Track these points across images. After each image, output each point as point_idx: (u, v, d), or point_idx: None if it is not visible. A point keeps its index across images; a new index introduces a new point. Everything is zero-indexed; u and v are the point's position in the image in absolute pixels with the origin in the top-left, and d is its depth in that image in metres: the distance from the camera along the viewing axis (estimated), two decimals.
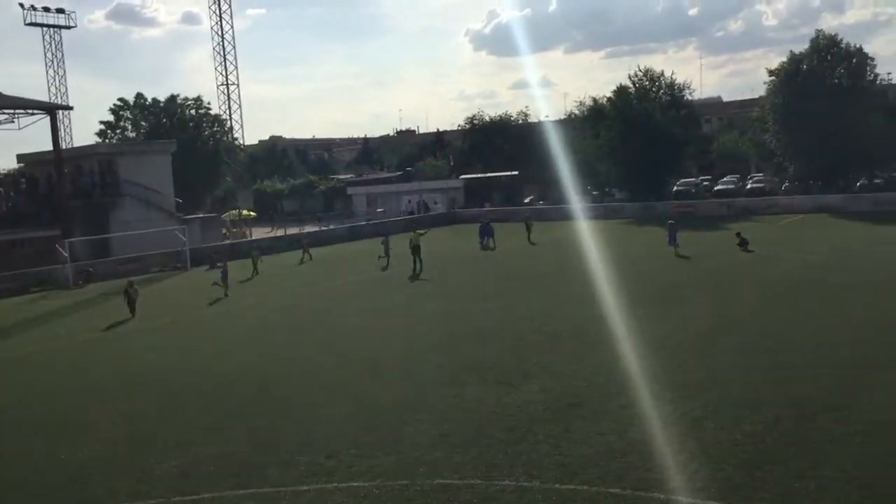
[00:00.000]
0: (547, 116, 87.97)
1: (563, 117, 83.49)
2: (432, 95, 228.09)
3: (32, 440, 14.59)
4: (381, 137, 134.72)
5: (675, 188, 62.04)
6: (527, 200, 70.64)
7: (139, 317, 27.46)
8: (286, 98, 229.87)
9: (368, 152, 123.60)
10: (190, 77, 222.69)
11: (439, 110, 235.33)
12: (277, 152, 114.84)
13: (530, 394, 14.92)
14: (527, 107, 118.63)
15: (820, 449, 11.23)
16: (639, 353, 17.14)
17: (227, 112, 65.23)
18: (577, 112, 77.26)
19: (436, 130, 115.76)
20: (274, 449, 12.89)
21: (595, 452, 11.66)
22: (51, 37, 70.42)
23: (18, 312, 32.38)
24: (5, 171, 62.10)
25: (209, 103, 71.09)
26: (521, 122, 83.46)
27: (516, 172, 73.20)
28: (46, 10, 68.35)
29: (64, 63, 71.40)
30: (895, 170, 58.27)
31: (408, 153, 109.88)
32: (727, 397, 13.85)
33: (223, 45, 63.72)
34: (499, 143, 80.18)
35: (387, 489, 10.89)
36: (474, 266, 35.68)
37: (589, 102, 68.80)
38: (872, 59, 53.77)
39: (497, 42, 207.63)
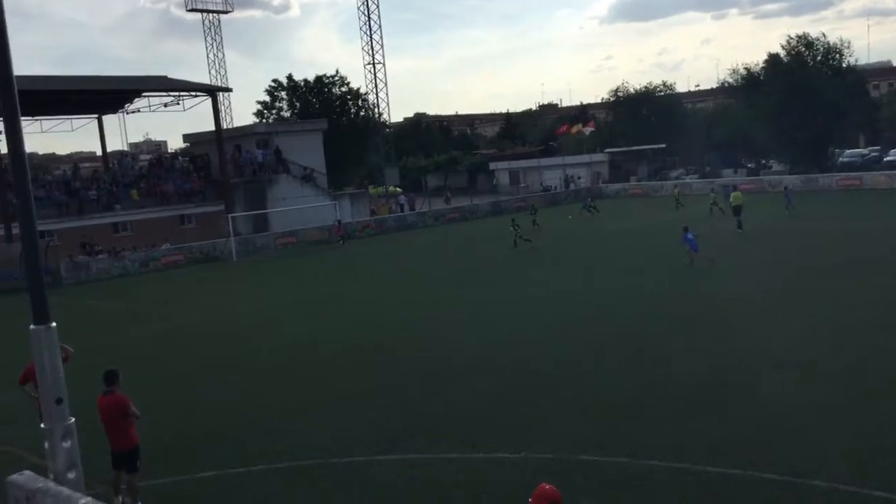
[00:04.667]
0: (697, 85, 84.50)
1: (714, 86, 79.83)
2: (575, 68, 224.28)
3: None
4: (523, 112, 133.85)
5: (840, 159, 58.14)
6: (675, 174, 68.40)
7: (297, 285, 28.79)
8: (429, 71, 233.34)
9: (511, 127, 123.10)
10: (338, 56, 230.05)
11: (582, 83, 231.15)
12: (422, 129, 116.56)
13: (677, 373, 14.55)
14: (671, 81, 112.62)
15: None
16: (792, 333, 16.34)
17: (374, 91, 66.93)
18: (730, 80, 73.73)
19: (579, 104, 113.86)
20: (422, 418, 13.27)
21: (746, 435, 11.24)
22: (210, 21, 74.44)
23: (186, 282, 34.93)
24: (173, 151, 66.60)
25: (348, 80, 73.25)
26: (667, 92, 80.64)
27: (664, 145, 70.93)
28: None
29: (223, 46, 75.42)
30: None
31: (550, 127, 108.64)
32: (890, 382, 12.95)
33: (370, 25, 65.26)
34: (644, 114, 77.81)
35: (531, 462, 10.98)
36: (617, 242, 34.98)
37: (742, 70, 65.59)
38: None
39: (640, 9, 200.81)
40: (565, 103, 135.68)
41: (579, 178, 71.78)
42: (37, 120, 51.86)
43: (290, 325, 22.88)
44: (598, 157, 75.17)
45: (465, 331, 19.80)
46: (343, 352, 18.74)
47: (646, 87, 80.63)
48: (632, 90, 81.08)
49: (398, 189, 70.85)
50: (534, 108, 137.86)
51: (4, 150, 42.88)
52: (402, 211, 60.04)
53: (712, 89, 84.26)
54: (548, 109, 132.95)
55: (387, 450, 11.92)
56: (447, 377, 15.66)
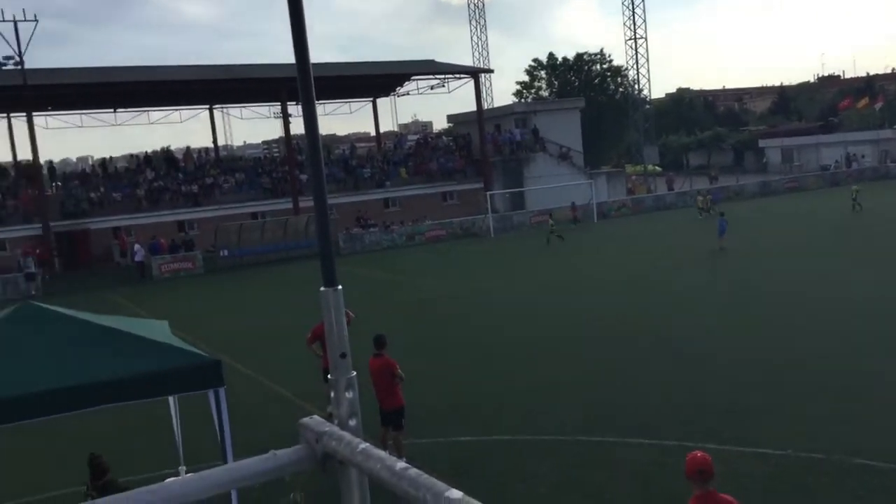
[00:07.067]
0: None
1: None
2: (862, 35, 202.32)
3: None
4: (799, 85, 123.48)
5: None
6: None
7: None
8: (694, 43, 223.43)
9: (784, 102, 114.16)
10: (597, 33, 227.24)
11: (870, 52, 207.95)
12: (684, 105, 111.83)
13: None
14: None
15: None
16: None
17: (635, 67, 65.37)
18: None
19: (865, 74, 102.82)
20: (679, 406, 12.93)
21: None
22: (475, 5, 76.62)
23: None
24: (438, 131, 70.02)
25: (610, 56, 72.03)
26: None
27: None
28: None
29: (486, 29, 77.26)
30: None
31: (830, 101, 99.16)
32: None
33: (632, 1, 63.68)
34: None
35: (798, 460, 10.32)
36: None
37: None
38: None
39: None
40: (848, 74, 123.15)
41: (863, 156, 64.96)
42: (321, 103, 57.04)
43: (547, 302, 23.27)
44: (887, 133, 67.41)
45: (727, 319, 18.94)
46: (599, 330, 18.75)
47: None
48: None
49: (657, 168, 68.78)
50: (812, 80, 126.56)
51: (293, 132, 47.75)
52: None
53: None
54: (828, 82, 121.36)
55: (639, 433, 11.80)
56: (706, 365, 15.08)
